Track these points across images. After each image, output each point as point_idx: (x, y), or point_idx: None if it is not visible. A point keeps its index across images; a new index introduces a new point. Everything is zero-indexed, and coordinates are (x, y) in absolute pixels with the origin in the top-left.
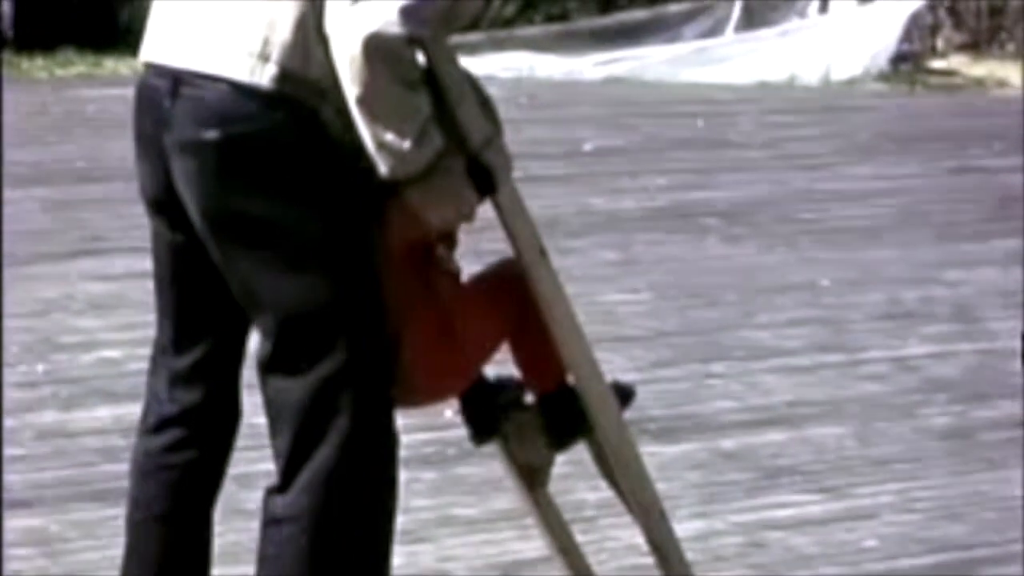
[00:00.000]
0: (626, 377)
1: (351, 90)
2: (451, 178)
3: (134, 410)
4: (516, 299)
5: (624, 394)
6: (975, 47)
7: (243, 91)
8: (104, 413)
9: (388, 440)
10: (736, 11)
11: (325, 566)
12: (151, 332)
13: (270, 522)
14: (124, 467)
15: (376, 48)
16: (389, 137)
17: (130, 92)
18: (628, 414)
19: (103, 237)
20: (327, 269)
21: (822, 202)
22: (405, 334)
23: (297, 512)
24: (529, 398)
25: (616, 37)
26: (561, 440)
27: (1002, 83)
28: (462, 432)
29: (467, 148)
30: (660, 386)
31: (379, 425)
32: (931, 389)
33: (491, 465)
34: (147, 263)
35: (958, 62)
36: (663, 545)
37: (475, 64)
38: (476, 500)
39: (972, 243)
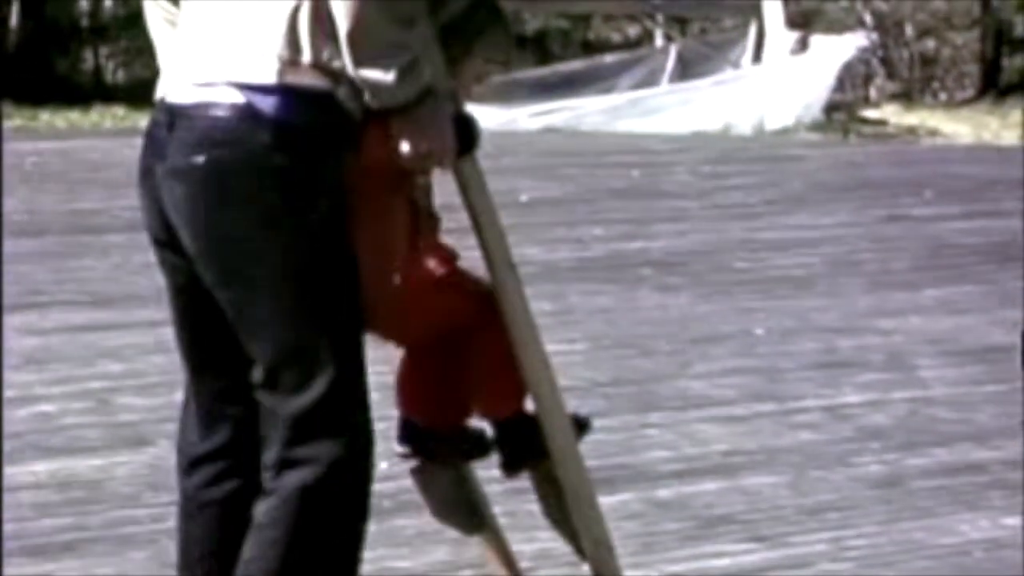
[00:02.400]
0: None
1: (342, 24)
2: (435, 115)
3: (70, 464)
4: (481, 308)
5: (580, 425)
6: (907, 96)
7: (233, 115)
8: (40, 468)
9: (368, 457)
10: (671, 62)
11: (297, 571)
12: (86, 386)
13: (254, 527)
14: (60, 522)
15: None
16: (373, 73)
17: (67, 145)
18: None
19: (39, 291)
20: (313, 292)
21: (756, 251)
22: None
23: (276, 519)
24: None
25: (552, 88)
26: (515, 465)
27: (933, 132)
28: (397, 484)
29: (457, 101)
30: (595, 436)
31: (363, 441)
32: (864, 438)
33: (427, 517)
34: (82, 316)
35: (890, 111)
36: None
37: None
38: (411, 552)
39: (904, 291)
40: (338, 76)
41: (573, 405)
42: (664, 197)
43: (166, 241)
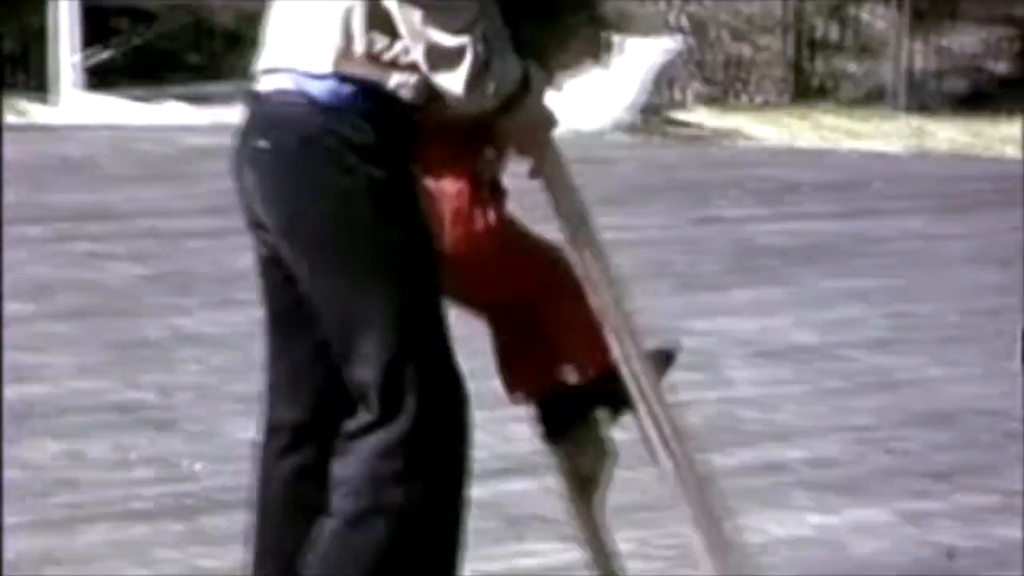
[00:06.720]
0: None
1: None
2: (526, 121)
3: None
4: (550, 272)
5: (667, 356)
6: (719, 99)
7: (291, 100)
8: None
9: (459, 413)
10: None
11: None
12: None
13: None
14: None
15: None
16: (444, 79)
17: None
18: None
19: None
20: (377, 267)
21: None
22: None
23: (350, 476)
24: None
25: None
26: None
27: (743, 134)
28: (207, 483)
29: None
30: None
31: (448, 398)
32: None
33: (235, 517)
34: None
35: (702, 114)
36: (713, 512)
37: (233, 116)
38: (222, 552)
39: (714, 293)
40: (390, 66)
41: None
42: None
43: (255, 222)
